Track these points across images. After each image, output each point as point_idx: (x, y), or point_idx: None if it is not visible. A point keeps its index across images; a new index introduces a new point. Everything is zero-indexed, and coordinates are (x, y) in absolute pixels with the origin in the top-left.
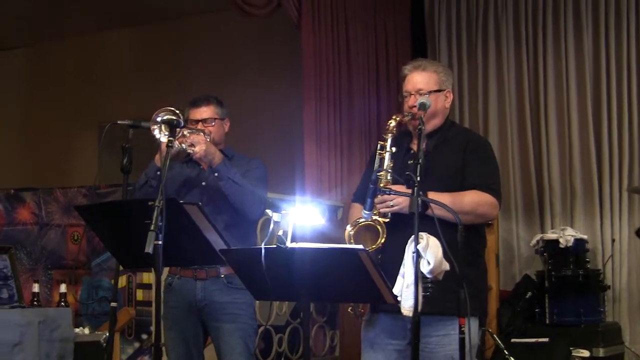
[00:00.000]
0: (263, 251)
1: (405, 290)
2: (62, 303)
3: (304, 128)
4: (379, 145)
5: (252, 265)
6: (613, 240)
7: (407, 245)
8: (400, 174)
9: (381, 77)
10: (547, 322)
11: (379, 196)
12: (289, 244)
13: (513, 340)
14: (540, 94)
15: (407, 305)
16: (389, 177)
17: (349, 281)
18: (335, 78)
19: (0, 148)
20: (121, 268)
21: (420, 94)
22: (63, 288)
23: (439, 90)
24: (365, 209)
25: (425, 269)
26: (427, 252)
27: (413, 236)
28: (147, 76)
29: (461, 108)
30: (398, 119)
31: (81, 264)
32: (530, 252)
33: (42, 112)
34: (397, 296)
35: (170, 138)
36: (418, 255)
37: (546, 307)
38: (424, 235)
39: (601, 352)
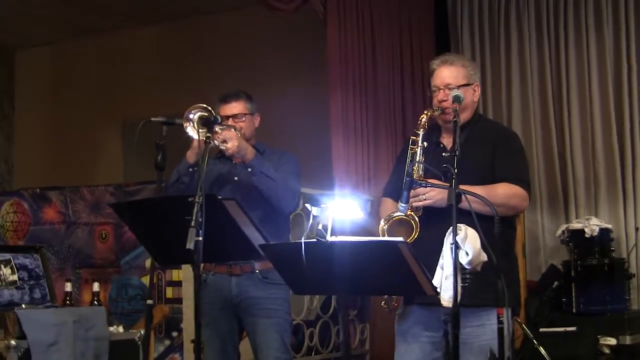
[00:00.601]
0: (303, 245)
1: (444, 282)
2: (95, 302)
3: (330, 122)
4: (410, 140)
5: (292, 259)
6: (637, 229)
7: (446, 237)
8: (432, 168)
9: (405, 71)
10: (574, 311)
11: (412, 190)
12: (328, 238)
13: (541, 329)
14: (562, 85)
15: (446, 297)
16: (421, 171)
17: (389, 274)
18: (360, 73)
19: (24, 147)
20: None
21: (450, 89)
22: (96, 287)
23: (467, 84)
24: (401, 201)
25: (464, 260)
26: (466, 244)
27: (451, 228)
28: (171, 74)
29: (484, 100)
30: (429, 113)
31: (110, 263)
32: (556, 242)
33: (66, 110)
34: (436, 288)
35: (208, 135)
36: (457, 247)
37: (573, 296)
38: (462, 226)
39: (628, 340)
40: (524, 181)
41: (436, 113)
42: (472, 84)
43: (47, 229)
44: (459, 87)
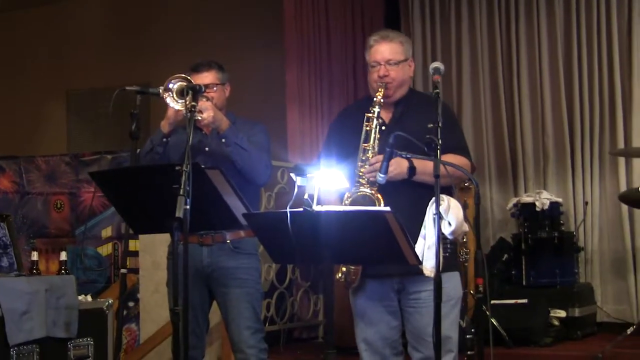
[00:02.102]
0: (289, 214)
1: (426, 252)
2: (63, 271)
3: (286, 96)
4: (365, 117)
5: (276, 229)
6: (586, 203)
7: (428, 207)
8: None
9: (358, 44)
10: (524, 283)
11: (366, 166)
12: (314, 207)
13: (492, 301)
14: (512, 60)
15: (428, 266)
16: (375, 149)
17: (374, 243)
18: (315, 46)
19: None
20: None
21: (389, 64)
22: (63, 256)
23: (404, 60)
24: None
25: (446, 230)
26: (449, 214)
27: (434, 198)
28: (117, 44)
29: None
30: (382, 91)
31: (65, 233)
32: (504, 215)
33: (9, 80)
34: (418, 257)
35: (194, 103)
36: (439, 217)
37: (523, 269)
38: (444, 197)
39: (576, 312)
40: (465, 150)
41: (382, 88)
42: (409, 60)
43: (0, 199)
44: (398, 62)
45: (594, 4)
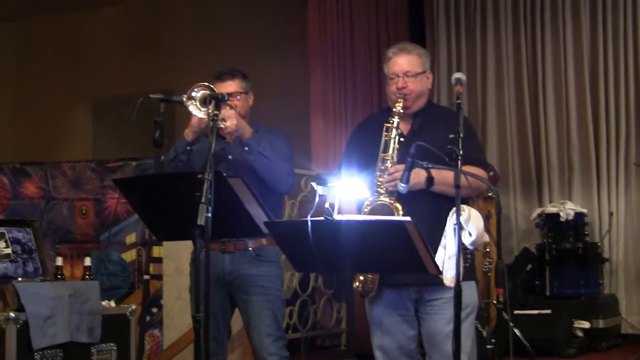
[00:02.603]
0: (310, 223)
1: (447, 261)
2: (87, 276)
3: (310, 105)
4: (384, 127)
5: (297, 237)
6: (611, 214)
7: (449, 217)
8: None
9: (382, 52)
10: (548, 294)
11: (385, 175)
12: (335, 216)
13: (515, 312)
14: (538, 70)
15: (449, 276)
16: (394, 159)
17: (394, 252)
18: (339, 53)
19: None
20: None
21: (408, 76)
22: (87, 262)
23: (423, 72)
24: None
25: (467, 240)
26: (469, 224)
27: (454, 208)
28: (142, 51)
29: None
30: (402, 102)
31: (89, 238)
32: (528, 225)
33: (36, 88)
34: (439, 267)
35: (216, 112)
36: (460, 227)
37: (546, 279)
38: (465, 207)
39: (601, 324)
40: (483, 163)
41: (400, 100)
42: (426, 72)
43: (26, 204)
44: (416, 74)
45: (621, 13)
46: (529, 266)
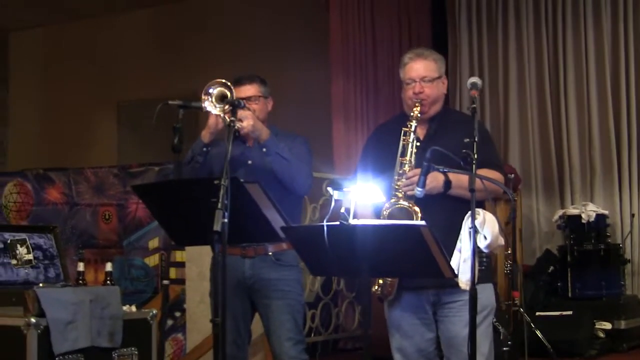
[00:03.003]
0: (326, 228)
1: (462, 265)
2: (108, 282)
3: (332, 107)
4: (402, 132)
5: (313, 241)
6: (632, 215)
7: (464, 221)
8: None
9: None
10: (570, 295)
11: (403, 179)
12: (351, 221)
13: (538, 313)
14: (559, 71)
15: (464, 279)
16: (412, 163)
17: (409, 256)
18: (361, 58)
19: (19, 129)
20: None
21: (424, 81)
22: (109, 267)
23: (439, 77)
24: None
25: (482, 244)
26: (484, 228)
27: (470, 212)
28: (165, 56)
29: (482, 87)
30: (419, 107)
31: (112, 243)
32: (550, 227)
33: (60, 92)
34: (454, 270)
35: (232, 118)
36: (475, 231)
37: (568, 281)
38: (480, 211)
39: (622, 325)
40: (499, 166)
41: (417, 105)
42: (442, 77)
43: (49, 210)
44: (432, 80)
45: None
46: (551, 268)
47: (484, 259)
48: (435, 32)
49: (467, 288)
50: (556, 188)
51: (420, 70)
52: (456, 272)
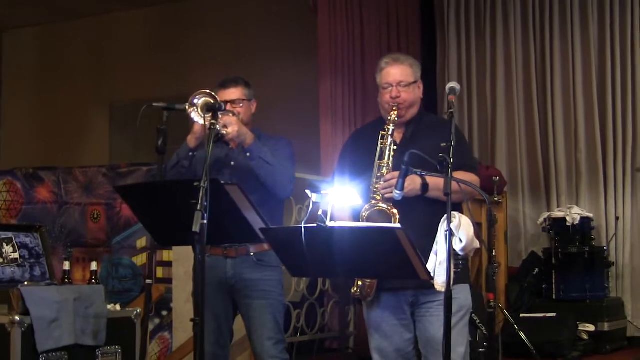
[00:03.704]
0: (304, 230)
1: (438, 267)
2: (94, 280)
3: (319, 108)
4: (380, 135)
5: (291, 243)
6: (617, 219)
7: (440, 224)
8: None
9: None
10: (554, 297)
11: (381, 182)
12: (328, 223)
13: (522, 315)
14: (547, 75)
15: (440, 281)
16: (390, 166)
17: (386, 258)
18: (349, 59)
19: (11, 127)
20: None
21: (401, 86)
22: (94, 266)
23: (415, 82)
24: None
25: (457, 246)
26: (460, 231)
27: (445, 215)
28: (159, 57)
29: (469, 90)
30: (396, 111)
31: (101, 242)
32: (537, 229)
33: (53, 91)
34: (430, 273)
35: (213, 121)
36: (451, 234)
37: (553, 283)
38: (456, 214)
39: (606, 327)
40: (474, 168)
41: (388, 109)
42: (418, 82)
43: (39, 208)
44: (409, 84)
45: (628, 20)
46: (536, 270)
47: (460, 262)
48: (424, 35)
49: (443, 290)
50: (542, 191)
51: (397, 75)
52: (432, 274)
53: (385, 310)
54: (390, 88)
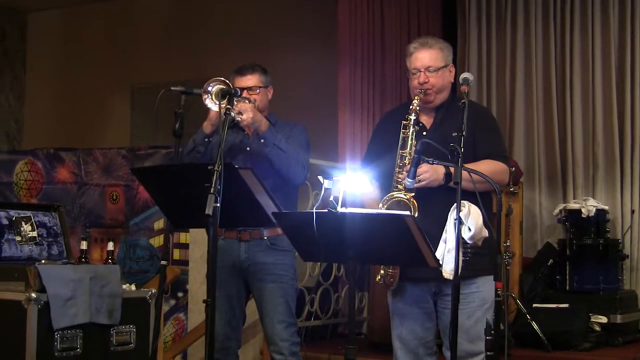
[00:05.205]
0: (315, 215)
1: (446, 255)
2: (110, 260)
3: (338, 96)
4: (402, 125)
5: (303, 228)
6: (632, 211)
7: (450, 213)
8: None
9: None
10: (567, 288)
11: (404, 172)
12: (339, 209)
13: (534, 305)
14: (566, 67)
15: (448, 269)
16: (413, 154)
17: (395, 245)
18: (369, 47)
19: (34, 108)
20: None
21: (429, 71)
22: (110, 246)
23: (444, 66)
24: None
25: (466, 235)
26: (469, 220)
27: (455, 204)
28: (180, 41)
29: (489, 81)
30: (419, 97)
31: (119, 223)
32: (552, 221)
33: (76, 73)
34: (438, 260)
35: (228, 107)
36: (460, 222)
37: (567, 274)
38: (465, 203)
39: (618, 319)
40: (504, 156)
41: (421, 95)
42: (449, 65)
43: (59, 188)
44: (438, 69)
45: None
46: (550, 261)
47: (469, 250)
48: (445, 25)
49: (451, 277)
50: (559, 182)
51: (425, 59)
52: (441, 262)
53: (409, 300)
54: (418, 73)
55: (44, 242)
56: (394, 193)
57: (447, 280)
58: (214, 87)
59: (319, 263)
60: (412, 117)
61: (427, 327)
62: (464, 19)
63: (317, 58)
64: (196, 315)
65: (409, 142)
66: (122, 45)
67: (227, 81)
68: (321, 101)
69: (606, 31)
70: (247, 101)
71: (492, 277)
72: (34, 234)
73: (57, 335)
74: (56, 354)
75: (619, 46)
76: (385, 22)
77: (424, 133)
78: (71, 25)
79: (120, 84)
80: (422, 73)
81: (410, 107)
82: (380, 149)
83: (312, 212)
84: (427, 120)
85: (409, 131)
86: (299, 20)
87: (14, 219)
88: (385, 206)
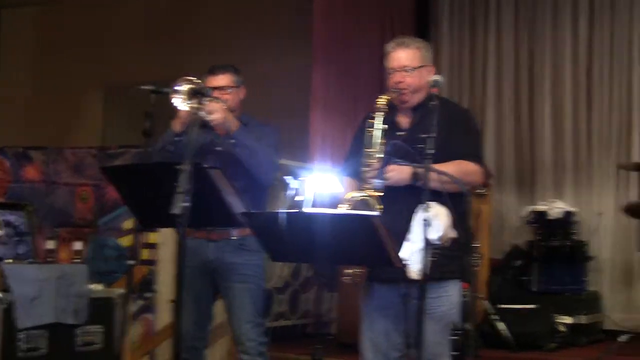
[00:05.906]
0: (283, 215)
1: (413, 255)
2: (77, 260)
3: (311, 97)
4: (367, 123)
5: (271, 228)
6: (599, 214)
7: (415, 213)
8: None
9: None
10: (534, 289)
11: (370, 171)
12: (306, 209)
13: (502, 306)
14: (536, 71)
15: (415, 269)
16: (378, 154)
17: (362, 245)
18: (343, 49)
19: (7, 105)
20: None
21: (405, 71)
22: (78, 246)
23: (422, 66)
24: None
25: (433, 235)
26: (436, 220)
27: (422, 204)
28: (155, 40)
29: (460, 83)
30: (387, 97)
31: (88, 223)
32: (520, 222)
33: (50, 71)
34: (403, 260)
35: (197, 106)
36: (427, 223)
37: (534, 275)
38: (432, 203)
39: (583, 319)
40: (479, 157)
41: (393, 95)
42: (427, 66)
43: (27, 187)
44: (414, 69)
45: (617, 18)
46: (518, 262)
47: (436, 251)
48: (418, 29)
49: (418, 277)
50: (528, 185)
51: (401, 59)
52: (407, 261)
53: (378, 301)
54: (394, 73)
55: (10, 241)
56: (354, 192)
57: (416, 281)
58: (182, 87)
59: (288, 264)
60: (376, 115)
61: (397, 329)
62: (437, 22)
63: (293, 59)
64: (164, 315)
65: (373, 140)
66: (97, 44)
67: (198, 80)
68: (295, 102)
69: (575, 35)
70: (217, 101)
71: (458, 281)
72: (1, 232)
73: (22, 335)
74: (20, 354)
75: (587, 51)
76: (360, 25)
77: (403, 133)
78: (46, 22)
79: (94, 83)
80: (397, 73)
81: (375, 105)
82: (358, 147)
83: (280, 212)
84: (404, 120)
85: (373, 130)
86: (275, 22)
87: None
88: (351, 204)
